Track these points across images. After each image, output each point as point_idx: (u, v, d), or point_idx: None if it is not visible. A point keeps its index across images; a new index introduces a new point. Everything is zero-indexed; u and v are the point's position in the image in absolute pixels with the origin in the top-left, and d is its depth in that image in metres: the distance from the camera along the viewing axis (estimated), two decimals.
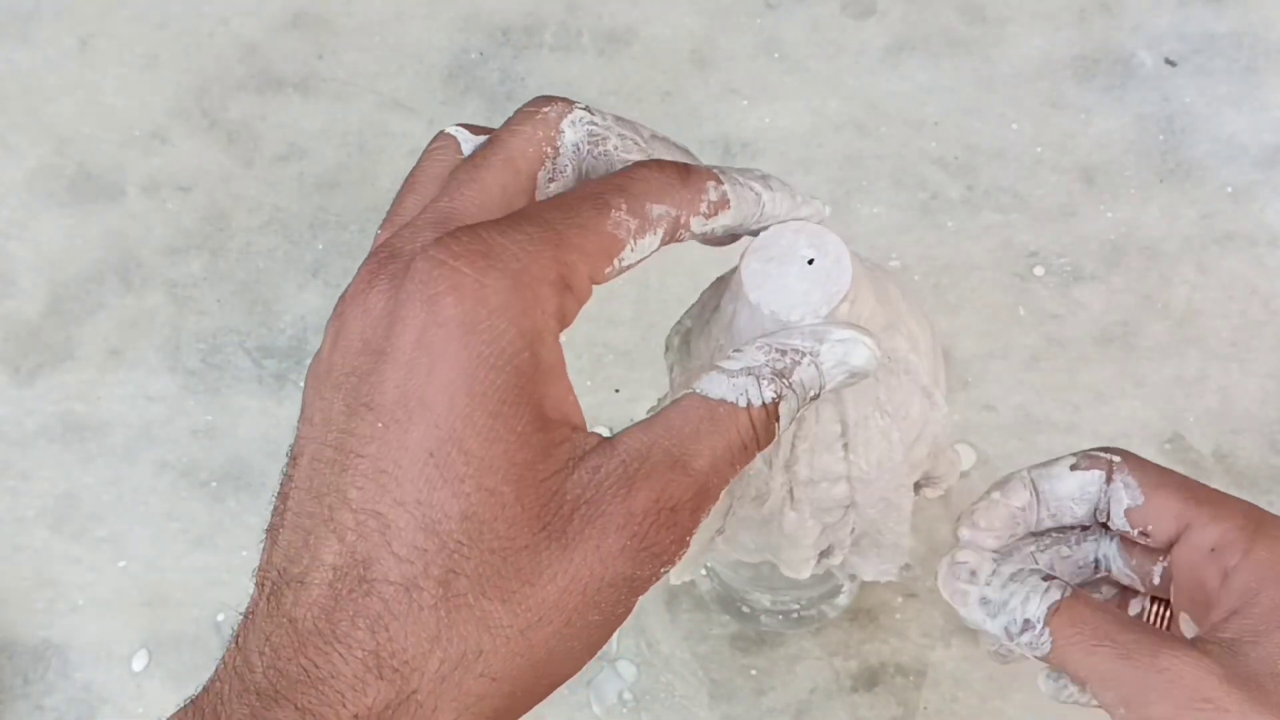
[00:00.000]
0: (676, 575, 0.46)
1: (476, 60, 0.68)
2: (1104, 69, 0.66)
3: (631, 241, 0.32)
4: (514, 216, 0.31)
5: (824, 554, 0.42)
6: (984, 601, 0.37)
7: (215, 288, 0.63)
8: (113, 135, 0.67)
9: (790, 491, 0.39)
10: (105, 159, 0.67)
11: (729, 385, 0.32)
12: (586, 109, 0.34)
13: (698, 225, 0.33)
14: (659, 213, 0.32)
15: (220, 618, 0.56)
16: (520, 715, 0.31)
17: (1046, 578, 0.36)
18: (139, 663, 0.55)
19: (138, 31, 0.70)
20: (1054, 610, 0.35)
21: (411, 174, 0.35)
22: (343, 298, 0.31)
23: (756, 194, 0.35)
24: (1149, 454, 0.57)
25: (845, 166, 0.65)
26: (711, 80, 0.67)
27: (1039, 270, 0.61)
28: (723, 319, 0.37)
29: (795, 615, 0.54)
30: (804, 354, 0.33)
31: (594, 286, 0.32)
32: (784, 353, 0.33)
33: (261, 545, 0.31)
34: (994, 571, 0.37)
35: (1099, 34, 0.67)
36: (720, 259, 0.38)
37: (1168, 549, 0.38)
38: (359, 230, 0.64)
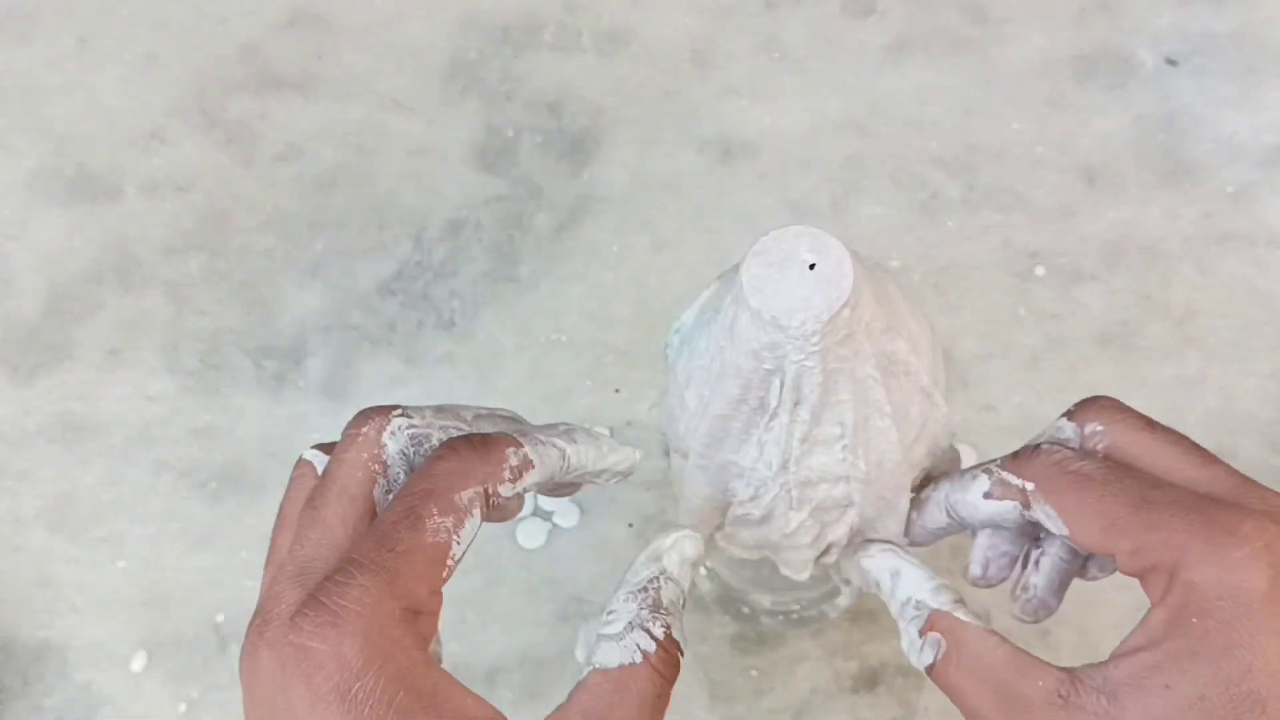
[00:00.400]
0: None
1: (476, 60, 0.68)
2: (1104, 69, 0.66)
3: (455, 539, 0.33)
4: (346, 567, 0.33)
5: (822, 554, 0.42)
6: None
7: (214, 288, 0.63)
8: (112, 135, 0.67)
9: (789, 492, 0.39)
10: (104, 159, 0.66)
11: (620, 649, 0.34)
12: (405, 413, 0.36)
13: (506, 490, 0.35)
14: (468, 497, 0.34)
15: (220, 618, 0.56)
16: None
17: (928, 619, 0.37)
18: (138, 663, 0.55)
19: (137, 31, 0.70)
20: (936, 654, 0.37)
21: (280, 509, 0.37)
22: (242, 651, 0.33)
23: (560, 449, 0.37)
24: None
25: (845, 166, 0.65)
26: (711, 80, 0.67)
27: (1039, 270, 0.61)
28: (724, 321, 0.37)
29: (795, 616, 0.54)
30: (657, 578, 0.36)
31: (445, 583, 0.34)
32: (644, 589, 0.35)
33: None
34: (890, 593, 0.39)
35: (1099, 34, 0.67)
36: (720, 259, 0.38)
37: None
38: (358, 230, 0.64)
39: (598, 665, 0.34)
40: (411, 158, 0.66)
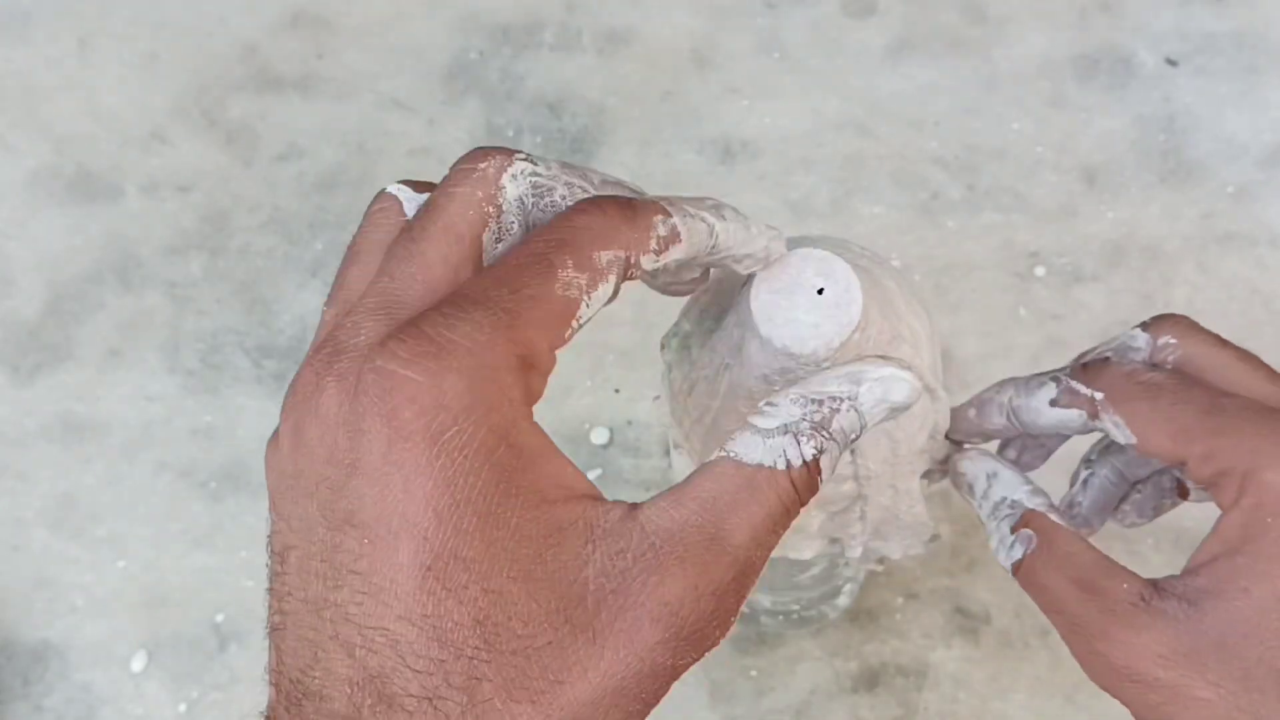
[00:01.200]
0: None
1: (476, 60, 0.68)
2: (1105, 69, 0.66)
3: (585, 299, 0.29)
4: (457, 299, 0.29)
5: (834, 541, 0.42)
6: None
7: (214, 288, 0.63)
8: (112, 135, 0.67)
9: None
10: (104, 159, 0.66)
11: (765, 448, 0.30)
12: (529, 158, 0.31)
13: (648, 264, 0.31)
14: (608, 259, 0.30)
15: (219, 618, 0.56)
16: None
17: (1021, 517, 0.37)
18: (138, 663, 0.55)
19: (137, 31, 0.70)
20: (1027, 549, 0.37)
21: (353, 242, 0.33)
22: (292, 390, 0.29)
23: (709, 225, 0.32)
24: None
25: (845, 166, 0.64)
26: (711, 80, 0.67)
27: (1040, 270, 0.61)
28: (729, 340, 0.36)
29: (795, 616, 0.54)
30: (842, 400, 0.31)
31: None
32: (820, 402, 0.31)
33: (266, 643, 0.29)
34: (984, 494, 0.39)
35: (1100, 34, 0.67)
36: None
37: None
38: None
39: (733, 455, 0.30)
40: (411, 158, 0.66)
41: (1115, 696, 0.35)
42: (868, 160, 0.65)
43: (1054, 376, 0.38)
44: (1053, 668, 0.54)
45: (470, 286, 0.29)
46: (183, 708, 0.55)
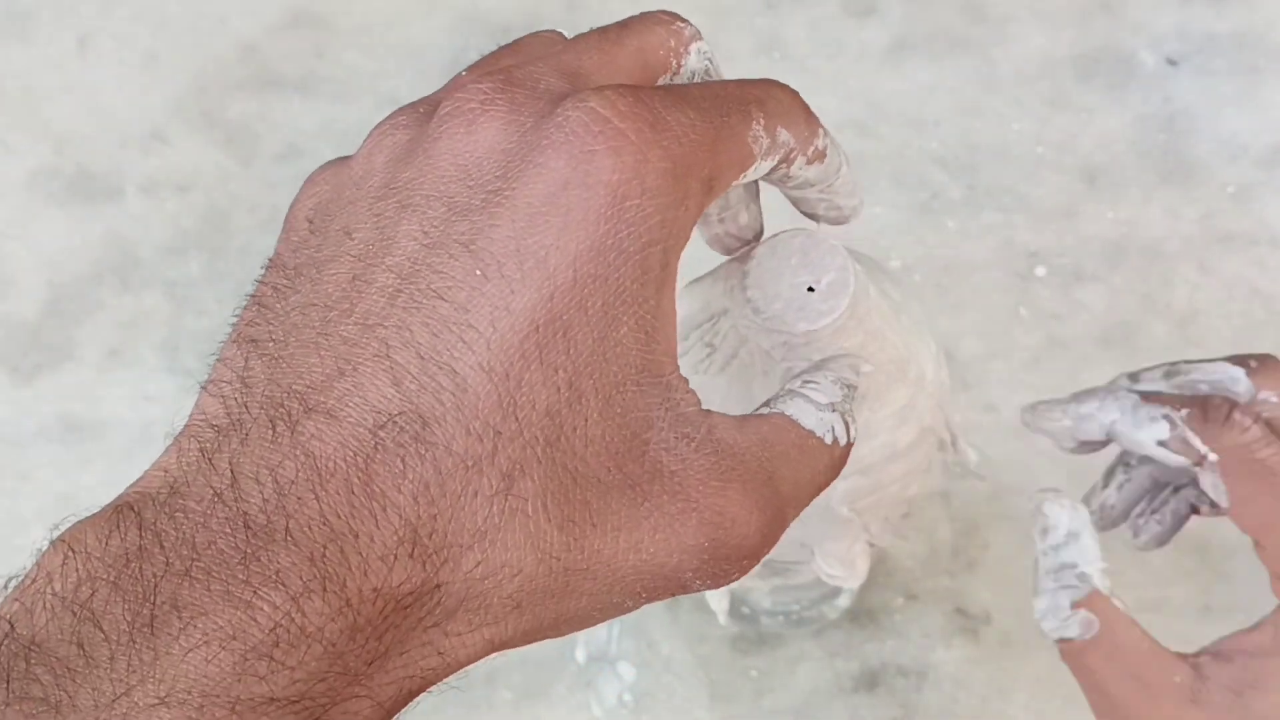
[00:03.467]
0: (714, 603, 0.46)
1: (476, 60, 0.68)
2: (1105, 69, 0.66)
3: (758, 161, 0.29)
4: (675, 93, 0.27)
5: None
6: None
7: (214, 288, 0.63)
8: (112, 135, 0.67)
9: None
10: (104, 159, 0.66)
11: (817, 419, 0.30)
12: (706, 43, 0.31)
13: (797, 168, 0.30)
14: (783, 140, 0.29)
15: None
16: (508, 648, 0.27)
17: (1087, 596, 0.38)
18: None
19: (137, 31, 0.70)
20: (1084, 634, 0.38)
21: (511, 46, 0.32)
22: (438, 108, 0.27)
23: (841, 159, 0.32)
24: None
25: None
26: None
27: (1040, 270, 0.61)
28: (719, 354, 0.36)
29: (795, 616, 0.54)
30: (854, 389, 0.32)
31: None
32: (850, 389, 0.31)
33: (219, 347, 0.27)
34: (1055, 548, 0.38)
35: (1100, 33, 0.67)
36: (717, 258, 0.38)
37: None
38: None
39: (791, 414, 0.29)
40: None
41: None
42: (868, 160, 0.65)
43: (1168, 416, 0.38)
44: (1053, 668, 0.54)
45: (686, 88, 0.28)
46: None
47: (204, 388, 0.27)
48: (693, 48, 0.31)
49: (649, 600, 0.27)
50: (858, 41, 0.68)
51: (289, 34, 0.69)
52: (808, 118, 0.30)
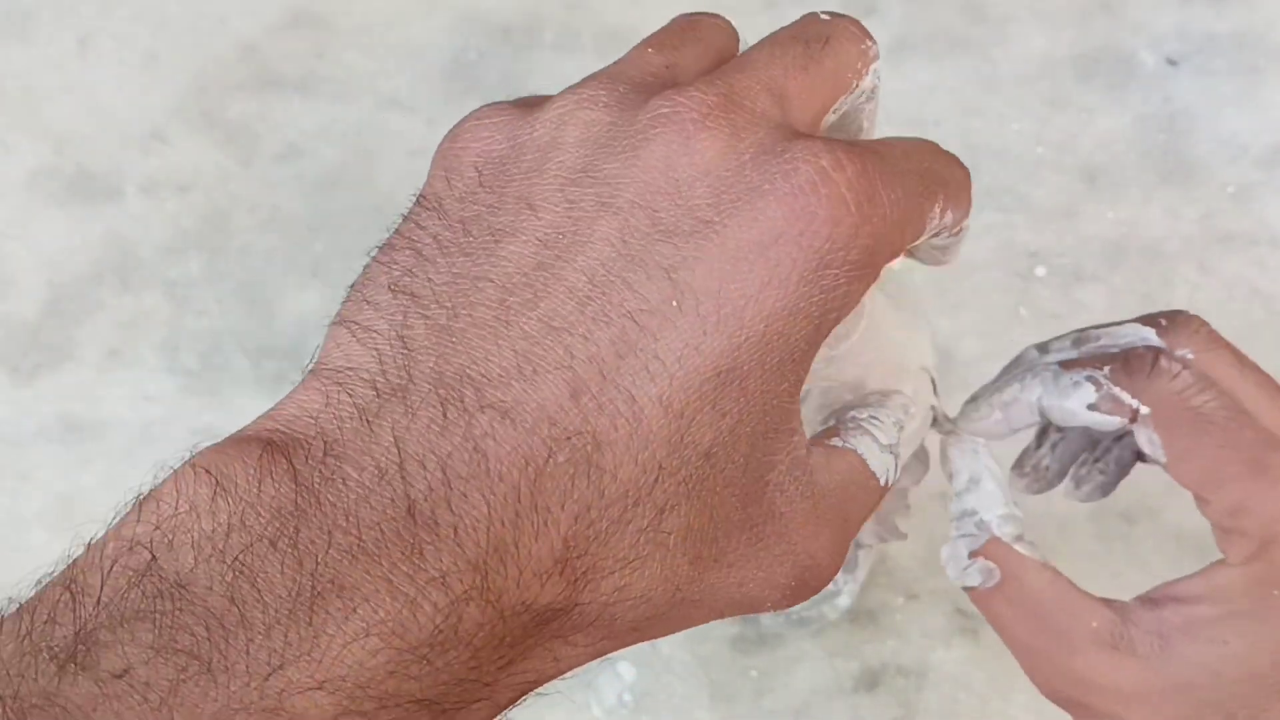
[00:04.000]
0: None
1: (476, 60, 0.68)
2: (1105, 69, 0.66)
3: (922, 239, 0.29)
4: (888, 164, 0.27)
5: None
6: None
7: (214, 288, 0.63)
8: (112, 135, 0.67)
9: None
10: (104, 159, 0.66)
11: (879, 461, 0.31)
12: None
13: (940, 241, 0.31)
14: (948, 221, 0.30)
15: None
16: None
17: (984, 546, 0.37)
18: None
19: (137, 31, 0.70)
20: (984, 582, 0.37)
21: (687, 24, 0.32)
22: (630, 87, 0.28)
23: (966, 229, 0.33)
24: None
25: None
26: None
27: (1040, 270, 0.61)
28: None
29: (795, 616, 0.54)
30: (903, 419, 0.33)
31: None
32: (900, 429, 0.33)
33: (363, 262, 0.27)
34: (958, 493, 0.38)
35: (1100, 33, 0.67)
36: None
37: None
38: (359, 230, 0.64)
39: (861, 451, 0.30)
40: (411, 158, 0.66)
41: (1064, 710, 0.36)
42: None
43: (1091, 377, 0.36)
44: None
45: (893, 157, 0.28)
46: None
47: (346, 326, 0.26)
48: (871, 68, 0.31)
49: (713, 619, 0.28)
50: None
51: (289, 34, 0.69)
52: (970, 201, 0.30)
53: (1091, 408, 0.36)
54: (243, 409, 0.60)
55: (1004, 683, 0.54)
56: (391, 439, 0.23)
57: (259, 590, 0.22)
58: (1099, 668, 0.34)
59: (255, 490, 0.23)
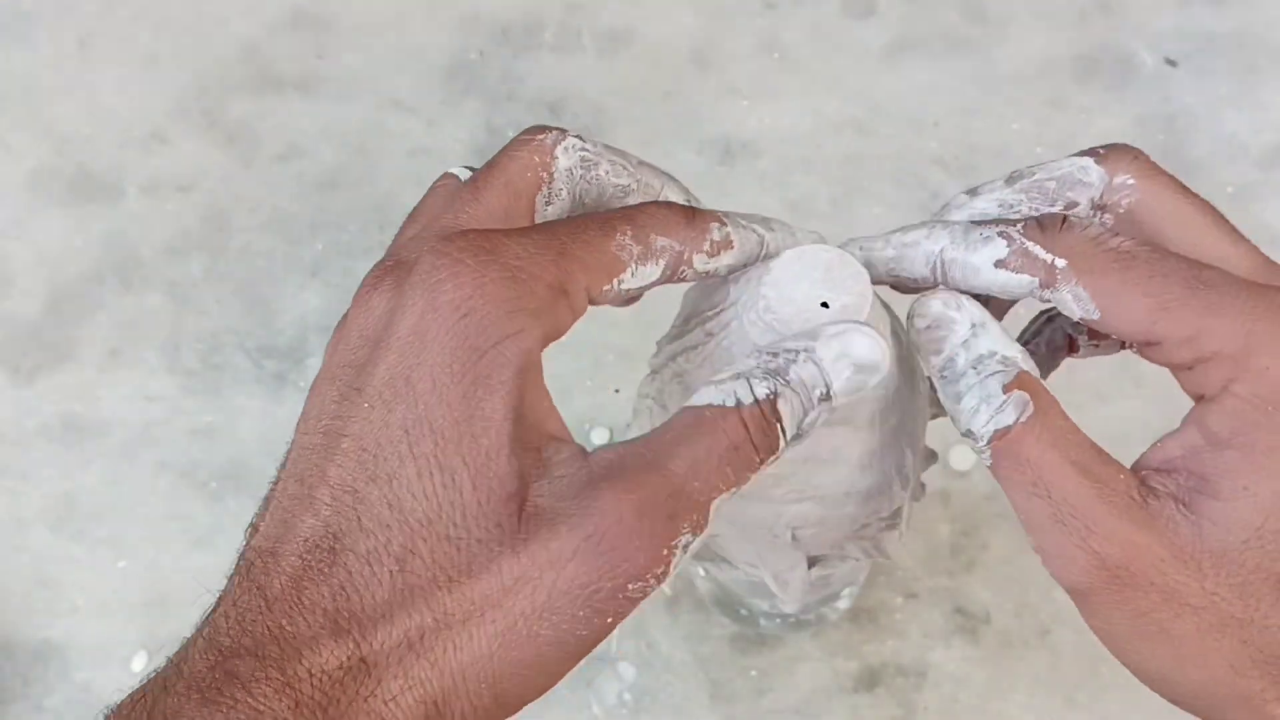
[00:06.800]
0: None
1: (476, 60, 0.68)
2: (1105, 69, 0.66)
3: (633, 266, 0.32)
4: (521, 228, 0.32)
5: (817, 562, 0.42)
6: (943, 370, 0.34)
7: (215, 288, 0.63)
8: (112, 135, 0.67)
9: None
10: (105, 159, 0.66)
11: (717, 391, 0.30)
12: (579, 137, 0.35)
13: (700, 263, 0.33)
14: (662, 244, 0.33)
15: None
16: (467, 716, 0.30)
17: (1016, 377, 0.32)
18: (138, 663, 0.55)
19: (137, 31, 0.70)
20: (1020, 416, 0.32)
21: (416, 209, 0.35)
22: (348, 310, 0.32)
23: (759, 236, 0.35)
24: None
25: (845, 166, 0.65)
26: (711, 80, 0.67)
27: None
28: (719, 331, 0.36)
29: (794, 619, 0.54)
30: (798, 351, 0.31)
31: (590, 307, 0.32)
32: (776, 354, 0.31)
33: (242, 542, 0.32)
34: (963, 343, 0.33)
35: (1100, 34, 0.67)
36: None
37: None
38: (359, 230, 0.64)
39: (689, 404, 0.31)
40: (411, 158, 0.66)
41: (1090, 601, 0.32)
42: (867, 160, 0.65)
43: (1003, 232, 0.33)
44: (1053, 668, 0.54)
45: (535, 225, 0.32)
46: None
47: None
48: (559, 150, 0.34)
49: (574, 630, 0.29)
50: (858, 41, 0.68)
51: (289, 34, 0.69)
52: (689, 221, 0.33)
53: (1000, 264, 0.33)
54: (243, 408, 0.60)
55: (1003, 682, 0.54)
56: (206, 621, 0.31)
57: None
58: (1139, 524, 0.31)
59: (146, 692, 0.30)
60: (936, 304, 0.34)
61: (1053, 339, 0.38)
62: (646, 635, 0.55)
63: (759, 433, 0.30)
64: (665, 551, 0.29)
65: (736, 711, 0.54)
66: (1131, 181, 0.34)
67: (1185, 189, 0.34)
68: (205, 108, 0.67)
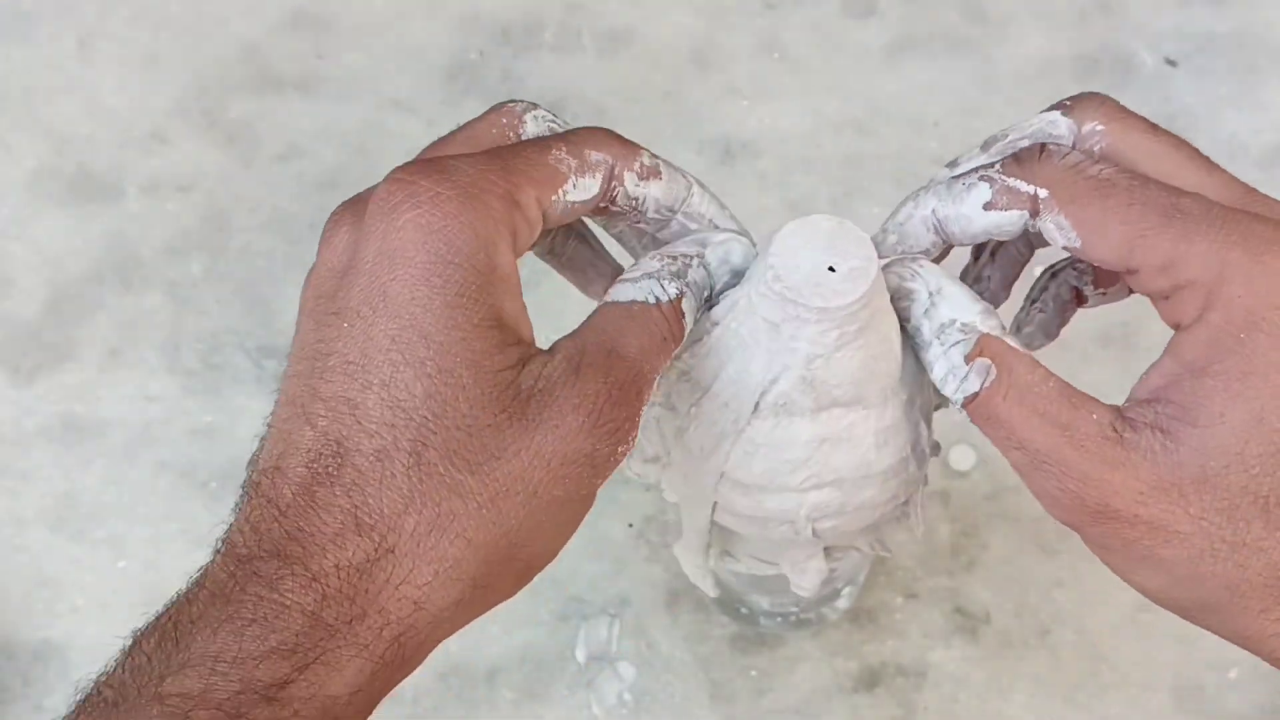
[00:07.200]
0: (698, 579, 0.46)
1: (476, 60, 0.68)
2: (1105, 69, 0.66)
3: (572, 178, 0.34)
4: (466, 153, 0.34)
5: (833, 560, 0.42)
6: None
7: (215, 288, 0.63)
8: (113, 135, 0.67)
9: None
10: (105, 159, 0.66)
11: (635, 289, 0.35)
12: (550, 112, 0.37)
13: (630, 183, 0.36)
14: (597, 159, 0.35)
15: None
16: (498, 591, 0.33)
17: (976, 343, 0.34)
18: None
19: (137, 31, 0.70)
20: (984, 381, 0.33)
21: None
22: (317, 249, 0.34)
23: (688, 182, 0.37)
24: None
25: (845, 166, 0.65)
26: (711, 80, 0.67)
27: (1039, 270, 0.61)
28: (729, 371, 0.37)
29: (794, 618, 0.54)
30: (692, 258, 0.36)
31: (544, 225, 0.34)
32: (675, 258, 0.36)
33: (241, 483, 0.33)
34: (925, 313, 0.35)
35: (1100, 34, 0.67)
36: None
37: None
38: None
39: (610, 299, 0.35)
40: (411, 158, 0.66)
41: (1083, 534, 0.33)
42: (867, 160, 0.65)
43: (983, 175, 0.34)
44: (1053, 668, 0.54)
45: (478, 151, 0.34)
46: None
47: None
48: (528, 118, 0.36)
49: (579, 490, 0.33)
50: (858, 41, 0.68)
51: (289, 34, 0.69)
52: (623, 142, 0.36)
53: (989, 206, 0.34)
54: (243, 408, 0.60)
55: (1003, 682, 0.54)
56: (225, 530, 0.33)
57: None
58: (1112, 463, 0.31)
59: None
60: (893, 277, 0.36)
61: (1059, 294, 0.39)
62: (646, 635, 0.55)
63: (675, 325, 0.35)
64: (637, 417, 0.33)
65: (736, 711, 0.54)
66: (1100, 128, 0.35)
67: (1155, 127, 0.35)
68: (205, 108, 0.67)
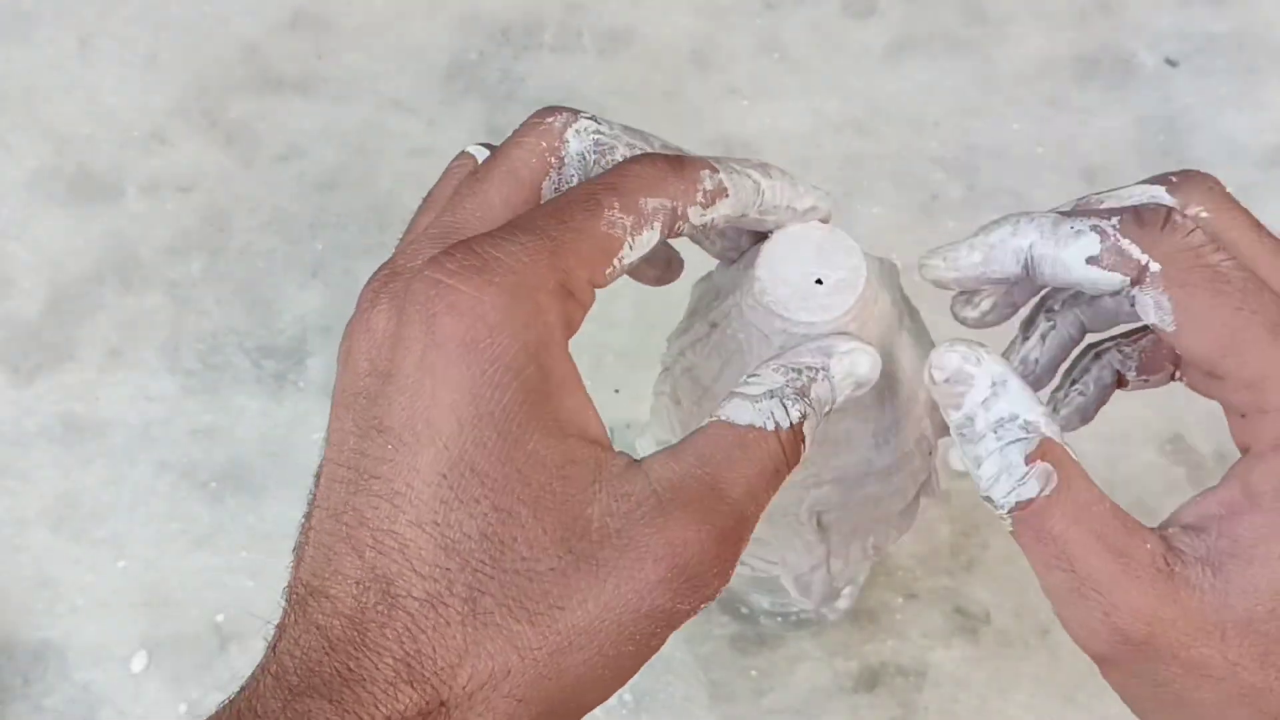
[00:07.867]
0: None
1: (476, 60, 0.68)
2: (1105, 69, 0.66)
3: (629, 240, 0.31)
4: (508, 226, 0.30)
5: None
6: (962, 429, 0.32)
7: (215, 288, 0.63)
8: (113, 135, 0.67)
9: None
10: (105, 159, 0.66)
11: (754, 410, 0.31)
12: (593, 118, 0.33)
13: (696, 215, 0.32)
14: (654, 206, 0.31)
15: (220, 618, 0.56)
16: None
17: (1039, 445, 0.31)
18: (138, 663, 0.55)
19: (137, 31, 0.70)
20: (1044, 489, 0.31)
21: (429, 194, 0.35)
22: (350, 321, 0.31)
23: (755, 182, 0.34)
24: (1148, 455, 0.57)
25: (845, 166, 0.65)
26: (711, 80, 0.67)
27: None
28: (729, 320, 0.36)
29: (794, 618, 0.54)
30: (817, 370, 0.32)
31: (597, 290, 0.32)
32: (799, 371, 0.32)
33: (289, 566, 0.31)
34: (982, 403, 0.32)
35: (1100, 34, 0.67)
36: (712, 262, 0.38)
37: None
38: (359, 230, 0.64)
39: (724, 418, 0.31)
40: (411, 158, 0.66)
41: (1111, 668, 0.31)
42: (867, 160, 0.65)
43: (1096, 227, 0.32)
44: (1052, 668, 0.54)
45: (521, 217, 0.31)
46: (183, 708, 0.55)
47: None
48: (570, 134, 0.33)
49: (650, 643, 0.30)
50: (858, 41, 0.68)
51: (289, 34, 0.69)
52: (677, 174, 0.32)
53: (1092, 261, 0.31)
54: (243, 408, 0.60)
55: (1003, 682, 0.54)
56: (273, 654, 0.30)
57: None
58: (1164, 598, 0.29)
59: None
60: (955, 358, 0.33)
61: (1100, 376, 0.37)
62: None
63: (793, 454, 0.31)
64: (731, 570, 0.30)
65: (736, 711, 0.54)
66: (1206, 215, 0.33)
67: (1260, 226, 0.32)
68: (205, 108, 0.67)
